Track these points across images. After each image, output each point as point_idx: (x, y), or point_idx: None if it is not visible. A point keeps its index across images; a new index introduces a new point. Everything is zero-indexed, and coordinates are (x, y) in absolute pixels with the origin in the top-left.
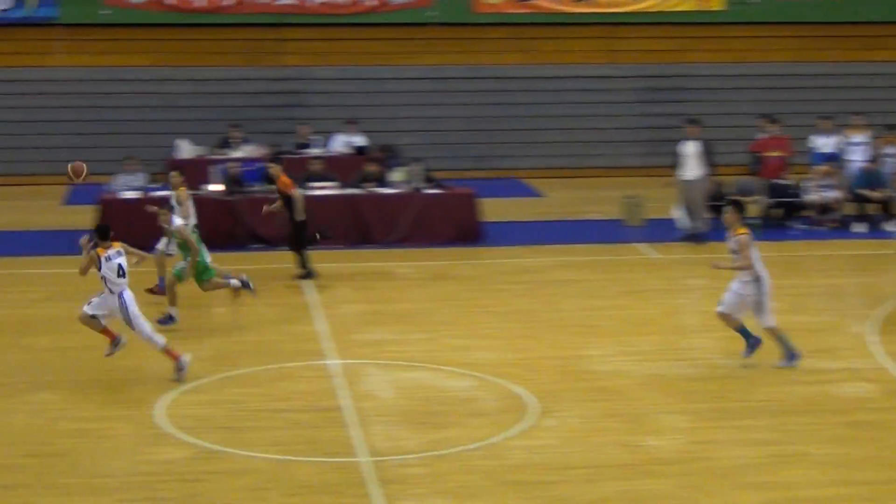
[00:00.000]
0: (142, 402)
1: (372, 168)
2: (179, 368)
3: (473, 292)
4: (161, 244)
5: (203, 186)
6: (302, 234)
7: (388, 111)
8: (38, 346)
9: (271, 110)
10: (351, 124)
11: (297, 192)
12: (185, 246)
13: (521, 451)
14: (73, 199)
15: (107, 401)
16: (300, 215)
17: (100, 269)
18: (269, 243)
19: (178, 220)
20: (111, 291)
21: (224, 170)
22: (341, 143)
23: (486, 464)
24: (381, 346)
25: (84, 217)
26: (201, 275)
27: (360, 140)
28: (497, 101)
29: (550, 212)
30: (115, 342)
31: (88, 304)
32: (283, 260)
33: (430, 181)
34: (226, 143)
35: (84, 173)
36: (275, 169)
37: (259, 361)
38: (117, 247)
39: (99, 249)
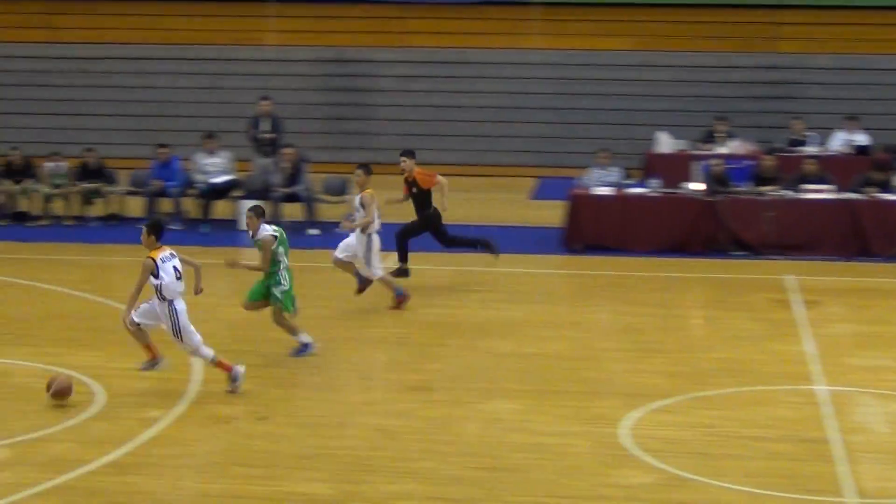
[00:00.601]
0: (605, 419)
1: (875, 171)
2: (233, 379)
3: None
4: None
5: (682, 185)
6: (426, 229)
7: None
8: (497, 351)
9: (762, 102)
10: (852, 121)
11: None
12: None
13: None
14: (541, 193)
15: (567, 414)
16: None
17: (157, 275)
18: (755, 250)
19: (268, 229)
20: (163, 298)
21: (706, 167)
22: (841, 141)
23: None
24: (879, 374)
25: (552, 213)
26: (287, 304)
27: (862, 139)
28: None
29: None
30: (153, 361)
31: (136, 310)
32: (768, 271)
33: None
34: (710, 138)
35: (64, 395)
36: (408, 163)
37: (735, 382)
38: (168, 249)
39: (152, 252)
